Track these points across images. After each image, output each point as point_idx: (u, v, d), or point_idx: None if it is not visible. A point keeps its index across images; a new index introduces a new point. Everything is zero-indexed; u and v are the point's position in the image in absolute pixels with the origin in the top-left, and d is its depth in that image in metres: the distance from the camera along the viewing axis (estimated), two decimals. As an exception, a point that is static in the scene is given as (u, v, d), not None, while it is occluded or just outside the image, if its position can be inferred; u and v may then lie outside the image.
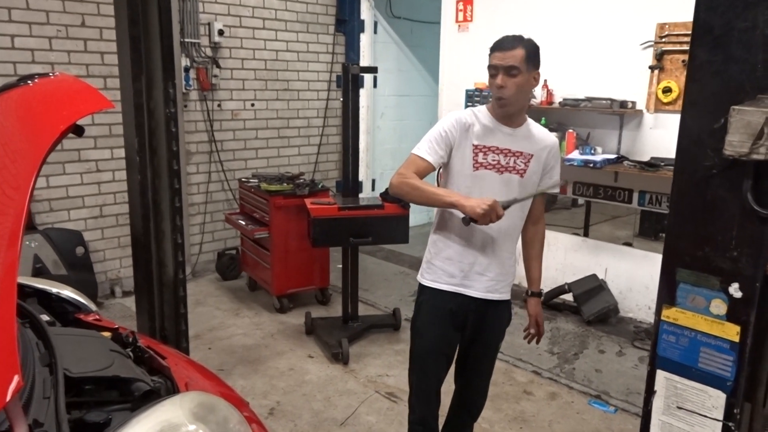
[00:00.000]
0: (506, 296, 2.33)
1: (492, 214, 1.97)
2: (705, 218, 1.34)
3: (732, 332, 1.32)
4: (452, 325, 2.28)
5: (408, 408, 2.47)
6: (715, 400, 1.35)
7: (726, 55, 1.28)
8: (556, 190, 2.40)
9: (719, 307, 1.34)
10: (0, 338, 0.99)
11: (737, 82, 1.27)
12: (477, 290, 2.24)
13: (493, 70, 2.07)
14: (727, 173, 1.28)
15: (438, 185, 2.27)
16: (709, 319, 1.36)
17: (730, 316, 1.33)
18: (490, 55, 2.10)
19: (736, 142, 1.21)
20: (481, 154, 2.15)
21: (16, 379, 0.95)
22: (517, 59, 2.04)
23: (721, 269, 1.33)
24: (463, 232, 2.20)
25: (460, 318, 2.27)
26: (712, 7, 1.29)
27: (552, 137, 2.27)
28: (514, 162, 2.16)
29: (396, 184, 2.18)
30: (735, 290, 1.31)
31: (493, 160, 2.15)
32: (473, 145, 2.15)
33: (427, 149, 2.17)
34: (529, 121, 2.24)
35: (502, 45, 2.07)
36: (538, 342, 2.45)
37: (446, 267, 2.25)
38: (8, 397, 0.95)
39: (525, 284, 2.48)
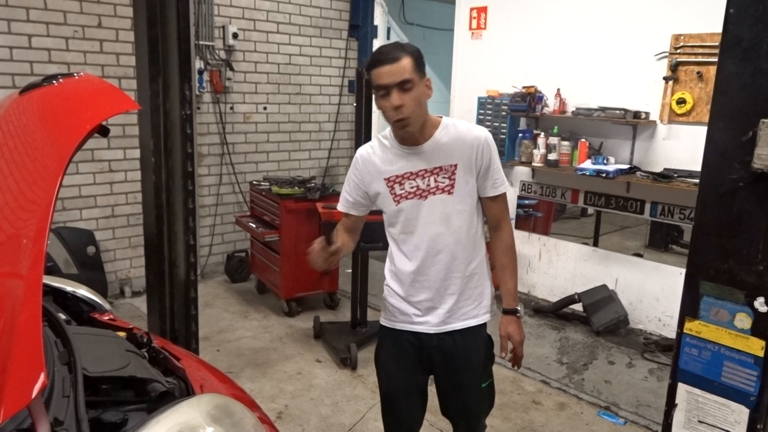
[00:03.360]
0: (474, 322, 2.04)
1: (312, 259, 1.85)
2: (730, 231, 1.33)
3: (756, 347, 1.31)
4: (418, 358, 2.06)
5: None
6: (738, 414, 1.34)
7: (755, 68, 1.27)
8: (503, 190, 2.02)
9: (744, 321, 1.33)
10: (26, 336, 0.99)
11: (766, 94, 1.26)
12: (433, 325, 2.01)
13: (383, 90, 1.79)
14: (755, 186, 1.27)
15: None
16: (733, 332, 1.35)
17: (755, 331, 1.32)
18: (370, 72, 1.81)
19: (764, 156, 1.20)
20: (397, 186, 1.93)
21: (41, 377, 0.95)
22: (407, 70, 1.77)
23: (747, 283, 1.32)
24: (406, 267, 2.00)
25: (424, 354, 2.05)
26: (741, 20, 1.28)
27: (474, 132, 1.93)
28: (435, 181, 1.91)
29: None
30: (760, 304, 1.30)
31: (412, 188, 1.91)
32: (385, 179, 1.94)
33: (343, 203, 2.07)
34: (445, 123, 1.94)
35: (384, 58, 1.77)
36: (518, 366, 2.14)
37: (399, 305, 2.05)
38: (33, 395, 0.95)
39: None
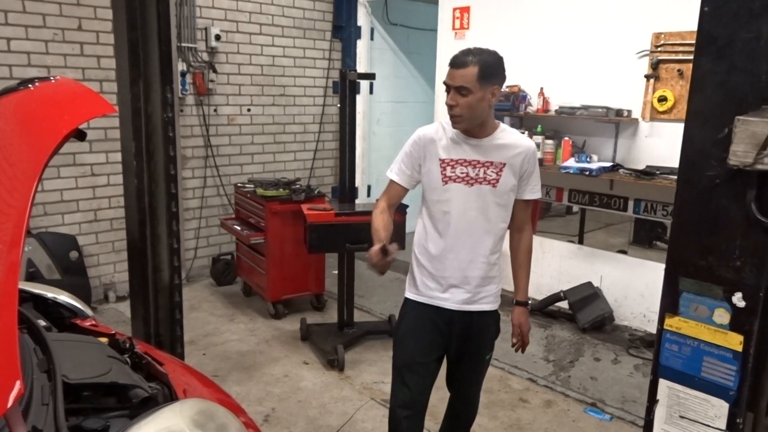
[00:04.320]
0: (489, 307, 2.28)
1: (372, 261, 2.02)
2: (708, 228, 1.34)
3: (735, 342, 1.32)
4: (435, 336, 2.26)
5: (388, 424, 2.37)
6: (718, 409, 1.35)
7: (730, 66, 1.28)
8: (537, 196, 2.29)
9: (722, 316, 1.34)
10: (1, 343, 0.98)
11: (741, 92, 1.27)
12: (454, 302, 2.22)
13: (446, 87, 2.08)
14: (731, 183, 1.29)
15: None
16: (712, 328, 1.36)
17: (734, 326, 1.33)
18: (447, 71, 2.09)
19: (740, 152, 1.21)
20: (449, 168, 2.15)
21: (17, 385, 0.94)
22: (466, 79, 2.01)
23: (725, 279, 1.33)
24: (438, 244, 2.21)
25: (442, 329, 2.25)
26: (716, 17, 1.30)
27: (527, 142, 2.22)
28: (484, 173, 2.14)
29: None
30: (738, 300, 1.31)
31: (462, 173, 2.14)
32: (440, 159, 2.16)
33: (396, 171, 2.27)
34: (503, 127, 2.20)
35: (454, 63, 2.05)
36: (523, 351, 2.41)
37: (425, 280, 2.26)
38: (9, 404, 0.94)
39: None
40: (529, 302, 2.38)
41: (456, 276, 2.21)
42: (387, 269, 2.08)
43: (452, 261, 2.20)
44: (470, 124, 2.10)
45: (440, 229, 2.21)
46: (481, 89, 2.02)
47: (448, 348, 2.31)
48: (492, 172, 2.14)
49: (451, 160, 2.15)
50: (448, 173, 2.15)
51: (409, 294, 2.32)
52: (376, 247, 2.04)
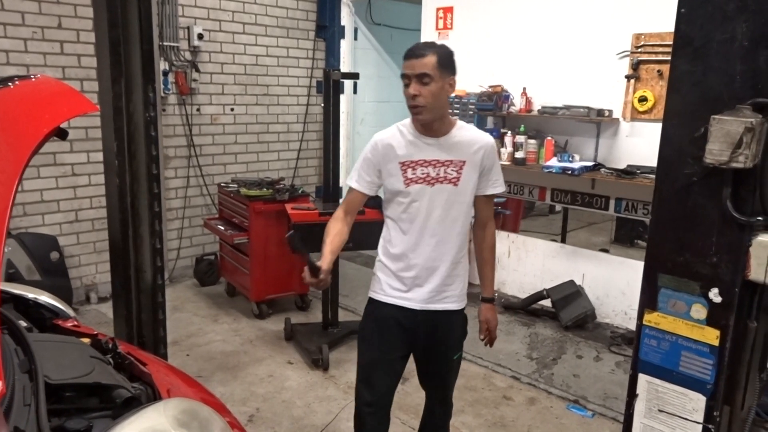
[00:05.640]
0: (453, 307, 2.26)
1: (305, 282, 2.04)
2: (686, 225, 1.37)
3: (712, 336, 1.35)
4: (399, 335, 2.24)
5: (353, 423, 2.36)
6: (696, 403, 1.38)
7: (706, 66, 1.31)
8: (500, 190, 2.27)
9: (699, 311, 1.37)
10: (-18, 344, 0.97)
11: (716, 92, 1.30)
12: (417, 302, 2.20)
13: (406, 79, 2.04)
14: (707, 181, 1.32)
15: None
16: (690, 323, 1.39)
17: (710, 321, 1.36)
18: (403, 63, 2.07)
19: (716, 151, 1.24)
20: (409, 170, 2.13)
21: (-1, 385, 0.94)
22: (428, 66, 2.00)
23: (702, 275, 1.36)
24: (401, 244, 2.20)
25: (407, 329, 2.23)
26: (692, 19, 1.32)
27: (485, 137, 2.20)
28: (445, 172, 2.13)
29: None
30: (715, 295, 1.34)
31: (423, 174, 2.13)
32: (400, 162, 2.14)
33: (356, 179, 2.23)
34: (460, 125, 2.20)
35: (412, 53, 2.04)
36: (491, 345, 2.40)
37: (388, 280, 2.24)
38: (-10, 405, 0.93)
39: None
40: (495, 297, 2.39)
41: (420, 275, 2.19)
42: (326, 285, 2.09)
43: (415, 260, 2.18)
44: (433, 116, 2.07)
45: (403, 228, 2.19)
46: (441, 78, 2.02)
47: (414, 347, 2.30)
48: (452, 170, 2.14)
49: (412, 162, 2.13)
50: (409, 175, 2.14)
51: (373, 294, 2.29)
52: (306, 269, 2.03)
